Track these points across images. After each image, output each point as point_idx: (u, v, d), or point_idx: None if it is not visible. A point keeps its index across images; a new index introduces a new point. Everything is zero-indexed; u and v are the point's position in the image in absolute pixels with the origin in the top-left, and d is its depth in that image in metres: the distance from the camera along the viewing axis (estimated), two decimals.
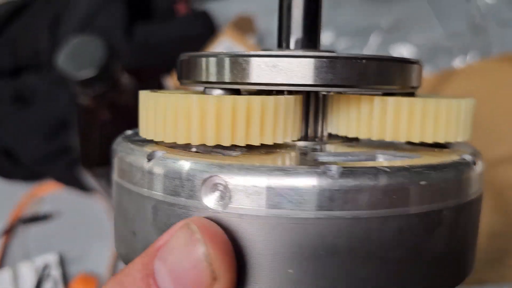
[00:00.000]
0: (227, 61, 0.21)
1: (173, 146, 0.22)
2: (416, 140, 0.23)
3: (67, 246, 0.71)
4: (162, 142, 0.22)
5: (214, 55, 0.22)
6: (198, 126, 0.20)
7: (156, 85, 0.52)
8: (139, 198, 0.21)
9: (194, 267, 0.18)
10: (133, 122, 0.54)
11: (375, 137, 0.23)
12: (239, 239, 0.19)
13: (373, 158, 0.23)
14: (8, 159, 0.69)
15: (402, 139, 0.23)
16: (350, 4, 0.79)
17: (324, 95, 0.25)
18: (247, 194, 0.18)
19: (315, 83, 0.21)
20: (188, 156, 0.20)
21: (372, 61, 0.21)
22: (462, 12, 0.75)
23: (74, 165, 0.61)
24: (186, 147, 0.22)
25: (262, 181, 0.18)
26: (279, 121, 0.21)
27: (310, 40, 0.25)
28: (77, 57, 0.45)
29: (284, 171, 0.18)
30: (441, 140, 0.23)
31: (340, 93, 0.24)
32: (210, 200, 0.19)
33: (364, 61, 0.21)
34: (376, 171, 0.18)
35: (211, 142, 0.20)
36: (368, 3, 0.79)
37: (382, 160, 0.23)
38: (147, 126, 0.22)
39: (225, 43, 0.68)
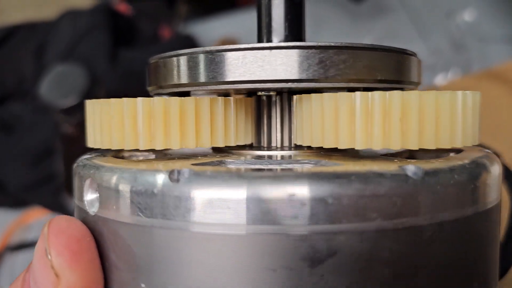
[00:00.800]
0: (182, 61, 0.21)
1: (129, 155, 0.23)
2: (395, 147, 0.18)
3: None
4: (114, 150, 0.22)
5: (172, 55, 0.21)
6: (124, 129, 0.20)
7: None
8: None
9: (40, 263, 0.18)
10: None
11: (342, 145, 0.19)
12: (102, 243, 0.18)
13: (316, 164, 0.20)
14: None
15: (376, 146, 0.18)
16: (333, 23, 0.80)
17: (288, 97, 0.23)
18: (116, 198, 0.18)
19: (274, 79, 0.19)
20: (95, 158, 0.21)
21: (342, 50, 0.19)
22: (443, 30, 0.76)
23: (59, 191, 0.61)
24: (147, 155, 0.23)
25: (132, 185, 0.17)
26: (202, 125, 0.20)
27: (293, 35, 0.23)
28: (59, 86, 0.45)
29: (140, 171, 0.17)
30: (429, 146, 0.18)
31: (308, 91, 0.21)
32: (86, 200, 0.19)
33: (331, 50, 0.19)
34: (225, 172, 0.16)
35: (142, 146, 0.20)
36: (350, 21, 0.80)
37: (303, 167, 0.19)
38: (92, 134, 0.22)
39: None
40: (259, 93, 0.22)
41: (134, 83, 0.65)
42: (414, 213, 0.16)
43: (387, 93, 0.17)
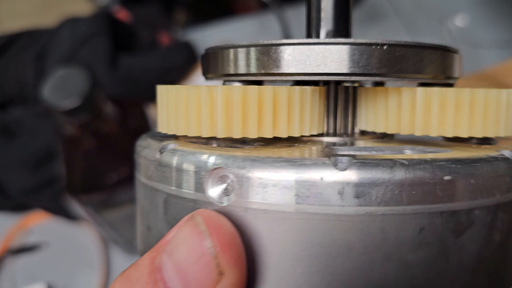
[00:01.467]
0: (253, 52, 0.20)
1: (196, 141, 0.21)
2: (449, 134, 0.21)
3: (55, 276, 0.71)
4: (185, 136, 0.21)
5: (242, 45, 0.21)
6: (208, 117, 0.19)
7: (139, 114, 0.54)
8: (152, 192, 0.20)
9: (199, 261, 0.16)
10: (116, 149, 0.55)
11: (403, 131, 0.21)
12: (246, 235, 0.17)
13: (399, 153, 0.21)
14: None
15: (433, 133, 0.21)
16: None
17: (354, 88, 0.24)
18: (252, 187, 0.17)
19: (343, 72, 0.20)
20: (197, 149, 0.19)
21: (406, 48, 0.20)
22: (435, 35, 0.78)
23: (60, 195, 0.62)
24: (208, 142, 0.21)
25: (267, 173, 0.17)
26: (294, 113, 0.20)
27: (341, 29, 0.24)
28: (61, 88, 0.46)
29: (290, 162, 0.17)
30: (478, 134, 0.21)
31: (378, 84, 0.23)
32: (216, 193, 0.18)
33: (398, 48, 0.20)
34: (392, 164, 0.17)
35: (221, 134, 0.19)
36: None
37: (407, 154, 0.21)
38: (168, 121, 0.21)
39: None
40: (345, 84, 0.23)
41: (134, 88, 0.66)
42: None
43: (443, 89, 0.20)
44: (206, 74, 0.24)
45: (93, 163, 0.53)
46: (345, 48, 0.20)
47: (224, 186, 0.18)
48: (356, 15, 0.80)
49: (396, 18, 0.80)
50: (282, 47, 0.20)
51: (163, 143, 0.21)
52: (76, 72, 0.48)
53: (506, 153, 0.19)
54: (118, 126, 0.53)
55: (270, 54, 0.20)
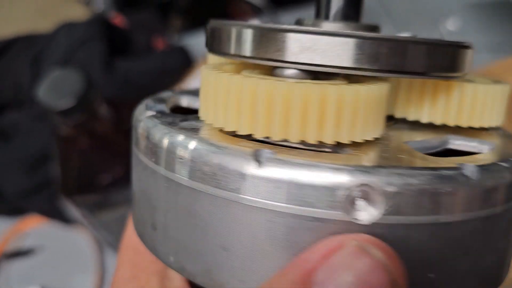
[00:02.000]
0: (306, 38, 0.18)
1: (229, 133, 0.19)
2: (476, 124, 0.22)
3: (50, 279, 0.71)
4: (216, 127, 0.19)
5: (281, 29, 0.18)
6: (282, 117, 0.18)
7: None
8: (248, 209, 0.17)
9: (371, 281, 0.15)
10: (111, 150, 0.55)
11: (451, 122, 0.22)
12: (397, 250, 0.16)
13: (446, 143, 0.22)
14: None
15: (464, 123, 0.22)
16: None
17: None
18: (399, 201, 0.16)
19: (385, 69, 0.18)
20: (307, 158, 0.17)
21: (441, 47, 0.20)
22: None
23: (56, 197, 0.62)
24: (244, 136, 0.19)
25: (416, 185, 0.16)
26: (372, 114, 0.19)
27: (353, 12, 0.23)
28: (57, 89, 0.47)
29: (435, 172, 0.17)
30: (487, 124, 0.23)
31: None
32: (354, 211, 0.16)
33: (434, 46, 0.19)
34: (500, 168, 0.18)
35: (294, 137, 0.18)
36: None
37: (456, 146, 0.22)
38: (215, 111, 0.19)
39: None
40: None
41: (130, 90, 0.67)
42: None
43: (482, 85, 0.22)
44: (215, 51, 0.21)
45: (88, 163, 0.54)
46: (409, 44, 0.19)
47: (366, 203, 0.16)
48: None
49: (388, 22, 0.81)
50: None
51: (253, 150, 0.17)
52: (71, 73, 0.48)
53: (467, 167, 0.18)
54: (113, 127, 0.54)
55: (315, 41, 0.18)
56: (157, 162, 0.20)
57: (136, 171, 0.22)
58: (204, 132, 0.19)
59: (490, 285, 0.19)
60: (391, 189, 0.16)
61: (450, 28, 0.77)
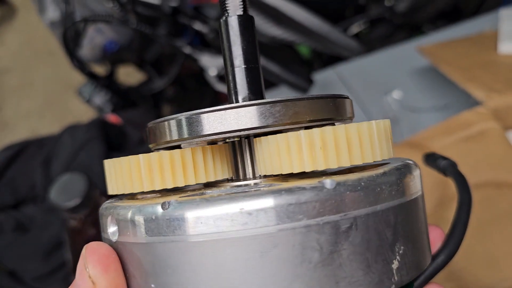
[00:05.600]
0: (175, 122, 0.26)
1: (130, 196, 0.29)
2: (333, 166, 0.24)
3: None
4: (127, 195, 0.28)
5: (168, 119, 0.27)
6: (147, 176, 0.25)
7: None
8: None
9: (80, 275, 0.23)
10: None
11: (295, 170, 0.24)
12: (123, 260, 0.24)
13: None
14: (12, 280, 0.81)
15: (320, 167, 0.24)
16: None
17: (248, 140, 0.28)
18: (123, 227, 0.24)
19: (241, 128, 0.24)
20: (114, 202, 0.27)
21: (282, 103, 0.25)
22: (379, 106, 0.91)
23: (68, 277, 0.73)
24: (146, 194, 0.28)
25: (138, 216, 0.23)
26: (187, 169, 0.26)
27: (256, 95, 0.29)
28: (65, 191, 0.59)
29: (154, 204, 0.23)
30: (358, 162, 0.24)
31: (265, 133, 0.26)
32: (109, 232, 0.25)
33: (273, 104, 0.25)
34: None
35: (145, 188, 0.26)
36: None
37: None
38: (111, 184, 0.28)
39: None
40: (227, 140, 0.29)
41: None
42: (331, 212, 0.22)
43: (319, 129, 0.24)
44: (148, 144, 0.30)
45: None
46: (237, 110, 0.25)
47: (114, 227, 0.25)
48: (311, 92, 0.94)
49: (346, 93, 0.93)
50: (185, 118, 0.26)
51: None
52: (76, 176, 0.60)
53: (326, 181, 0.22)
54: None
55: (182, 124, 0.26)
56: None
57: None
58: (123, 201, 0.27)
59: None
60: (120, 218, 0.25)
61: (396, 98, 0.89)
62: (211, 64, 0.83)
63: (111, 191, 0.28)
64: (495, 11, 1.03)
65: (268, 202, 0.21)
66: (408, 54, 1.00)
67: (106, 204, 0.28)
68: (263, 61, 0.94)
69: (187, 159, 0.26)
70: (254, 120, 0.24)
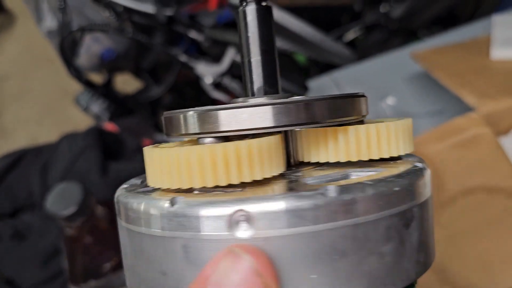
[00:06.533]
0: (220, 114, 0.24)
1: (177, 191, 0.24)
2: (375, 157, 0.26)
3: None
4: (168, 189, 0.24)
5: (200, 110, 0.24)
6: (198, 171, 0.22)
7: None
8: (165, 241, 0.23)
9: (248, 284, 0.19)
10: (109, 244, 0.67)
11: (342, 159, 0.26)
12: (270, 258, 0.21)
13: (347, 176, 0.26)
14: (10, 287, 0.81)
15: (364, 158, 0.26)
16: None
17: (291, 132, 0.28)
18: (269, 220, 0.21)
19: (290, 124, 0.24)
20: (206, 197, 0.22)
21: (322, 101, 0.25)
22: (374, 112, 0.92)
23: (65, 285, 0.73)
24: (188, 191, 0.24)
25: (280, 206, 0.21)
26: (265, 159, 0.23)
27: (271, 88, 0.29)
28: (61, 200, 0.59)
29: (296, 195, 0.21)
30: (387, 155, 0.26)
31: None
32: (237, 231, 0.21)
33: (315, 102, 0.24)
34: (362, 185, 0.22)
35: (210, 184, 0.23)
36: None
37: (355, 176, 0.25)
38: (154, 176, 0.24)
39: None
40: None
41: None
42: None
43: (367, 125, 0.26)
44: (170, 134, 0.27)
45: (91, 256, 0.65)
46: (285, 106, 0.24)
47: (243, 224, 0.21)
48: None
49: None
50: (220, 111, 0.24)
51: (161, 196, 0.23)
52: (72, 185, 0.61)
53: (419, 165, 0.25)
54: (108, 224, 0.66)
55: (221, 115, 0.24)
56: (137, 224, 0.25)
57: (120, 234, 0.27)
58: (150, 193, 0.25)
59: (378, 285, 0.22)
60: (257, 210, 0.21)
61: (390, 104, 0.90)
62: (207, 72, 0.84)
63: (152, 183, 0.25)
64: (490, 16, 1.04)
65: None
66: (402, 60, 1.01)
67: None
68: None
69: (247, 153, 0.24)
70: (301, 115, 0.24)
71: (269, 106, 0.24)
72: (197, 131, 0.25)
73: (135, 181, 0.31)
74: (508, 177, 0.67)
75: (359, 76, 1.02)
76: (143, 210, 0.23)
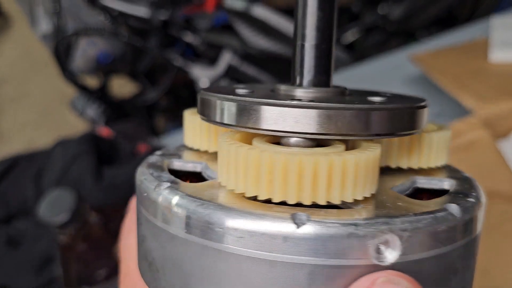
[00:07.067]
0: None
1: (241, 195, 0.21)
2: (427, 165, 0.27)
3: None
4: (241, 194, 0.21)
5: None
6: (307, 184, 0.20)
7: (120, 218, 0.65)
8: (285, 267, 0.19)
9: None
10: (103, 251, 0.66)
11: (415, 166, 0.27)
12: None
13: (415, 183, 0.26)
14: None
15: (423, 166, 0.27)
16: None
17: None
18: (412, 243, 0.19)
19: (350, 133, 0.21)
20: (337, 217, 0.19)
21: (399, 110, 0.22)
22: None
23: None
24: (266, 201, 0.21)
25: (423, 227, 0.20)
26: (370, 175, 0.21)
27: (323, 80, 0.26)
28: (53, 207, 0.59)
29: (432, 216, 0.20)
30: (433, 165, 0.27)
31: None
32: (381, 256, 0.19)
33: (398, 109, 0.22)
34: (474, 205, 0.22)
35: (307, 200, 0.20)
36: None
37: (421, 184, 0.26)
38: (234, 177, 0.21)
39: None
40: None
41: (116, 196, 0.78)
42: None
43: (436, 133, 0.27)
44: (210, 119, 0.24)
45: (85, 263, 0.64)
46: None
47: (387, 248, 0.19)
48: None
49: None
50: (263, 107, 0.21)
51: (287, 214, 0.20)
52: (65, 192, 0.60)
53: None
54: (102, 231, 0.65)
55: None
56: (192, 233, 0.21)
57: (164, 247, 0.23)
58: (232, 201, 0.21)
59: None
60: (405, 234, 0.19)
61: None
62: (202, 75, 0.83)
63: (224, 181, 0.22)
64: (488, 18, 1.03)
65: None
66: (401, 62, 1.00)
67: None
68: (253, 71, 0.94)
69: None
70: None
71: (365, 111, 0.21)
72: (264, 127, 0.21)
73: (166, 175, 0.25)
74: (506, 181, 0.66)
75: (356, 78, 1.01)
76: (251, 229, 0.19)
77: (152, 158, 0.29)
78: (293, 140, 0.22)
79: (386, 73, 1.01)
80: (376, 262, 0.19)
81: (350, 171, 0.20)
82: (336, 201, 0.20)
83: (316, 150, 0.21)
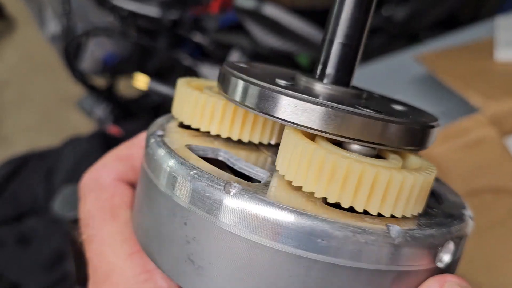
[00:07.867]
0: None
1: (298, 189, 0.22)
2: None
3: None
4: (291, 183, 0.22)
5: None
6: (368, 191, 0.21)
7: None
8: (375, 275, 0.21)
9: None
10: None
11: None
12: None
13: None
14: None
15: None
16: None
17: None
18: (460, 246, 0.23)
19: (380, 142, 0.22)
20: (423, 229, 0.22)
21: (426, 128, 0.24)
22: None
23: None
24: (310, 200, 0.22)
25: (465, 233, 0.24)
26: (423, 196, 0.23)
27: (345, 78, 0.25)
28: (68, 203, 0.59)
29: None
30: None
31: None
32: (445, 259, 0.22)
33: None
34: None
35: (359, 207, 0.21)
36: None
37: None
38: (295, 170, 0.22)
39: None
40: None
41: None
42: None
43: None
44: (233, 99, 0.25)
45: None
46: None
47: (448, 253, 0.22)
48: None
49: None
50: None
51: (383, 226, 0.21)
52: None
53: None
54: None
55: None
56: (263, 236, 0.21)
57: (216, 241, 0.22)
58: (293, 200, 0.22)
59: None
60: (457, 240, 0.23)
61: None
62: (211, 75, 0.84)
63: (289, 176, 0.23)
64: (492, 18, 1.04)
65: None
66: (405, 63, 1.01)
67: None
68: None
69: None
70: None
71: (421, 128, 0.23)
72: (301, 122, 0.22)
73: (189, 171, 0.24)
74: None
75: (362, 79, 1.01)
76: (346, 237, 0.20)
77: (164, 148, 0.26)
78: (355, 147, 0.23)
79: (391, 74, 1.02)
80: (439, 265, 0.22)
81: (405, 190, 0.21)
82: (387, 214, 0.21)
83: (379, 163, 0.22)
